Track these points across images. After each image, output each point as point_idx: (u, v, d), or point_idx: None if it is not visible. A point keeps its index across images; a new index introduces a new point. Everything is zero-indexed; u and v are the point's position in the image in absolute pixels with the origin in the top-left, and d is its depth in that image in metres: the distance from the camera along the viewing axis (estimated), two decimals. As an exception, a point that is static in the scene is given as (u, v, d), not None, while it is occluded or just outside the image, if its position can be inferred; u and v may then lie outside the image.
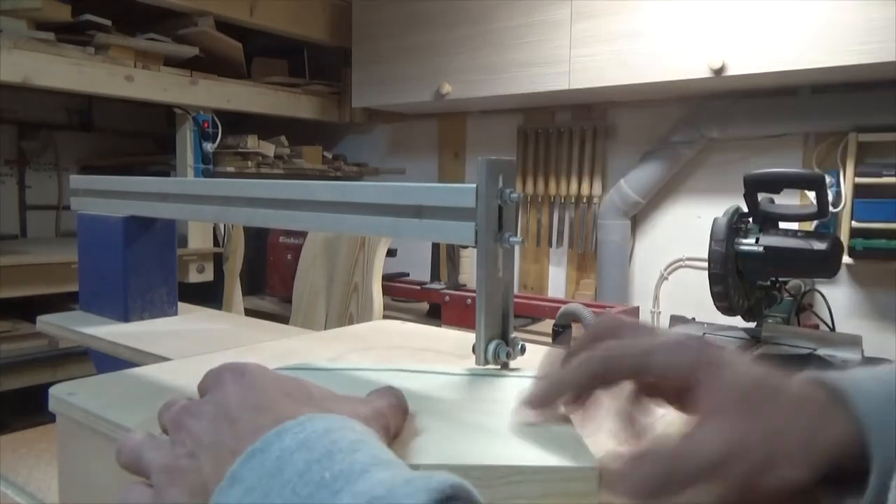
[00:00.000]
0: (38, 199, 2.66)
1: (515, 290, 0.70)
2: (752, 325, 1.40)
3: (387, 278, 1.98)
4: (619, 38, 1.80)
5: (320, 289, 1.53)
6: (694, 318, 1.63)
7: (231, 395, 0.32)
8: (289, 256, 2.17)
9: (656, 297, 2.13)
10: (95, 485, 0.52)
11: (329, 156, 2.66)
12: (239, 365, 0.35)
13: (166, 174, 2.40)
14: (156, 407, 0.35)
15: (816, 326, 1.77)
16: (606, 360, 0.38)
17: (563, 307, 1.15)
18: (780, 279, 1.37)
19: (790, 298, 1.61)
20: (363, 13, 2.36)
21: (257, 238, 2.27)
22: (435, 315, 1.96)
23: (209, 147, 2.20)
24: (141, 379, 0.59)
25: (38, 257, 1.87)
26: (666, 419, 0.39)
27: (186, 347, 0.78)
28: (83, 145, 2.76)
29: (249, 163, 2.32)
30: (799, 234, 1.24)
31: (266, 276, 2.34)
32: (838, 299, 1.82)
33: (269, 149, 2.36)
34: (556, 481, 0.35)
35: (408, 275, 2.31)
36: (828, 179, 1.29)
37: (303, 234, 1.78)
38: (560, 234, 2.31)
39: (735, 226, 1.28)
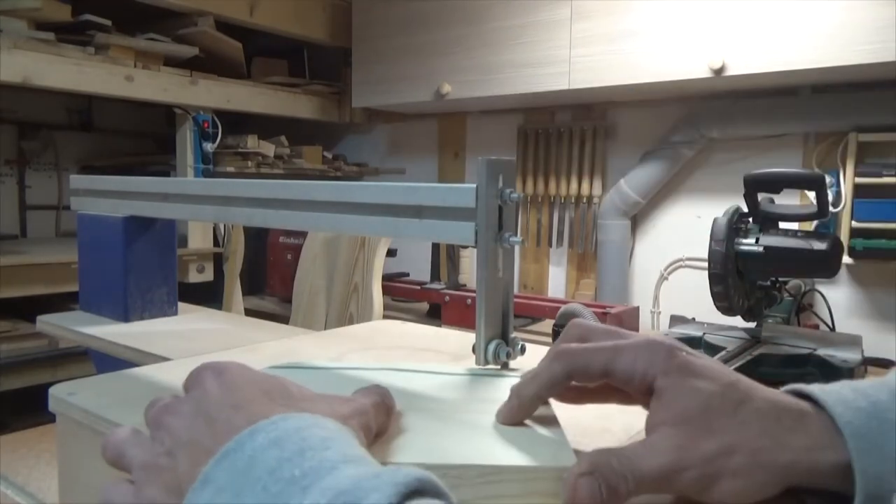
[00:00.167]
0: (38, 199, 2.66)
1: (515, 290, 0.69)
2: (752, 325, 1.39)
3: (387, 278, 1.98)
4: (619, 38, 1.80)
5: (320, 289, 1.53)
6: (694, 318, 1.62)
7: (210, 393, 0.33)
8: (289, 256, 2.18)
9: (656, 297, 2.13)
10: (95, 485, 0.51)
11: (329, 156, 2.66)
12: (219, 364, 0.35)
13: (166, 174, 2.40)
14: (156, 407, 0.35)
15: (816, 326, 1.77)
16: (569, 367, 0.38)
17: (563, 307, 1.15)
18: (780, 279, 1.37)
19: (790, 298, 1.61)
20: (363, 13, 2.36)
21: (257, 238, 2.27)
22: (435, 315, 1.96)
23: (209, 147, 2.20)
24: (141, 379, 0.59)
25: (38, 257, 1.87)
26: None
27: (186, 347, 0.78)
28: (83, 145, 2.76)
29: (249, 163, 2.32)
30: (799, 234, 1.24)
31: (266, 276, 2.34)
32: (838, 299, 1.82)
33: (269, 149, 2.36)
34: (536, 480, 0.34)
35: (408, 275, 2.31)
36: (828, 179, 1.29)
37: (303, 234, 1.78)
38: (560, 234, 2.31)
39: (735, 226, 1.27)
